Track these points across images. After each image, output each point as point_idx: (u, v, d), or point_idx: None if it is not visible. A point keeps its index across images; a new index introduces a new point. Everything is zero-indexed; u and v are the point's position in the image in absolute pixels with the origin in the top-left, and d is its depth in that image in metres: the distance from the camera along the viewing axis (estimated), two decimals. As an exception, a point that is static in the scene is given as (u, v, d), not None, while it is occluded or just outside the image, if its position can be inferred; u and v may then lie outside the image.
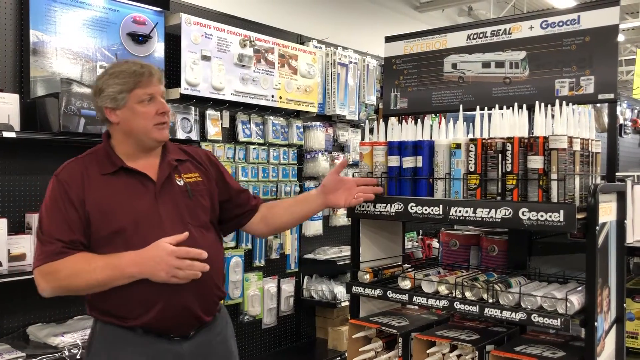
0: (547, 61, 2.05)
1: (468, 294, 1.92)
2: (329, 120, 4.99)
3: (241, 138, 4.21)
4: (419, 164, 2.04)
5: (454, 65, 2.26)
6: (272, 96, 4.28)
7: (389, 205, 2.05)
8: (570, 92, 2.00)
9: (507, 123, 1.90)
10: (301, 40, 4.71)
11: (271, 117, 4.39)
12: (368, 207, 2.11)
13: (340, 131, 5.05)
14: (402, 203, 2.02)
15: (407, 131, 2.14)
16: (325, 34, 4.92)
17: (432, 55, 2.31)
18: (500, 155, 1.85)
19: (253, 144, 4.29)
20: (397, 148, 2.09)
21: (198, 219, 1.92)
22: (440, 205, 1.92)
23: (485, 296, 1.88)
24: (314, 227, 4.78)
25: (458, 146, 1.94)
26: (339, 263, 4.62)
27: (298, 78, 4.50)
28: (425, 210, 1.96)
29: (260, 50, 4.19)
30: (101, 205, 1.80)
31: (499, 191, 1.85)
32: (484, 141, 1.88)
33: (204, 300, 1.88)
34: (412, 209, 1.99)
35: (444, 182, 1.98)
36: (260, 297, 4.37)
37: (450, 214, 1.90)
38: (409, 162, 2.06)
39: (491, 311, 1.83)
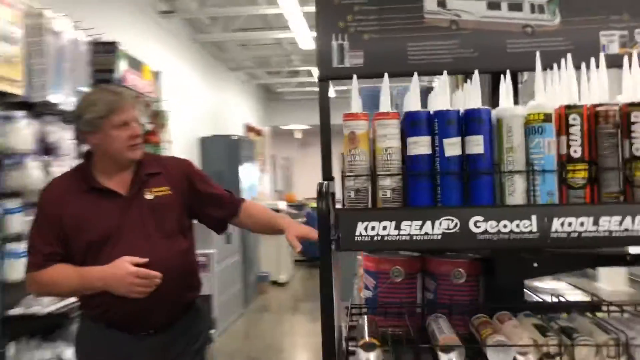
0: (585, 5, 1.47)
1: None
2: (30, 109, 3.45)
3: None
4: (476, 150, 1.20)
5: (442, 4, 1.48)
6: (-39, 64, 2.65)
7: (428, 222, 1.15)
8: (622, 49, 1.45)
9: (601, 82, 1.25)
10: (-6, -14, 3.11)
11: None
12: (384, 229, 1.17)
13: (48, 127, 3.55)
14: (455, 217, 1.15)
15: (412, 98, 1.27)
16: (26, -15, 3.38)
17: (404, -14, 1.49)
18: (620, 131, 1.18)
19: None
20: (426, 123, 1.21)
21: (164, 230, 2.06)
22: (534, 217, 1.14)
23: None
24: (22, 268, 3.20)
25: (547, 118, 1.19)
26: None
27: (-4, 41, 2.93)
28: (505, 227, 1.15)
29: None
30: (75, 220, 2.00)
31: (622, 187, 1.17)
32: (595, 109, 1.18)
33: (162, 305, 2.02)
34: (478, 227, 1.15)
35: (525, 178, 1.19)
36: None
37: (553, 230, 1.14)
38: (453, 148, 1.21)
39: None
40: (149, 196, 2.07)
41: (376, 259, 1.70)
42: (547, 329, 1.27)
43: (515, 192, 1.19)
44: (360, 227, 1.17)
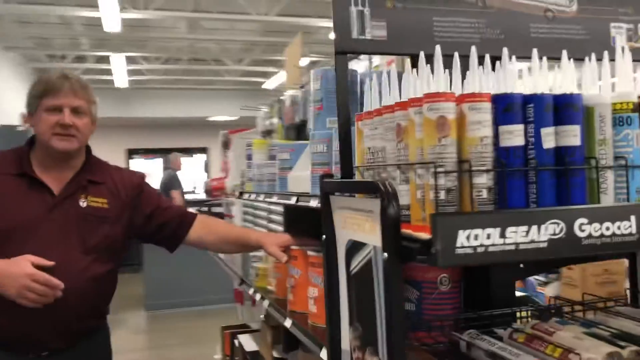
0: (598, -5, 1.41)
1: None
2: None
3: None
4: (573, 141, 1.04)
5: (467, -25, 1.31)
6: None
7: (534, 228, 0.97)
8: (628, 42, 1.43)
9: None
10: None
11: None
12: (488, 238, 0.95)
13: None
14: (561, 220, 0.98)
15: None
16: None
17: (428, -50, 1.27)
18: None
19: None
20: (521, 109, 1.03)
21: (85, 244, 1.84)
22: (634, 217, 1.02)
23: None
24: None
25: (635, 107, 1.08)
26: None
27: None
28: (607, 229, 1.01)
29: None
30: None
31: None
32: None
33: (58, 328, 1.79)
34: (583, 230, 1.00)
35: (613, 174, 1.07)
36: None
37: (653, 231, 1.04)
38: (550, 139, 1.04)
39: None
40: (82, 203, 1.86)
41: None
42: (605, 337, 1.18)
43: (608, 189, 1.06)
44: (462, 237, 0.93)
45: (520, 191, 1.02)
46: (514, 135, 1.02)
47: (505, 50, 1.06)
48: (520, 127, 1.02)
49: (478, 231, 0.94)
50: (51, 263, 1.69)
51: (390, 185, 1.01)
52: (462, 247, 0.94)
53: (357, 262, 1.20)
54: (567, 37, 1.39)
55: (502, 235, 0.95)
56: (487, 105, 1.01)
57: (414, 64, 1.26)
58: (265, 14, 6.82)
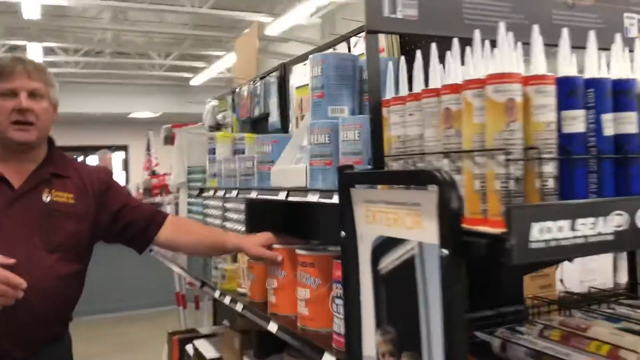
0: (612, -16, 1.39)
1: None
2: None
3: None
4: (629, 129, 1.00)
5: (494, -45, 1.24)
6: None
7: (601, 219, 0.91)
8: (639, 33, 1.42)
9: None
10: None
11: None
12: (559, 231, 0.88)
13: None
14: (625, 212, 0.93)
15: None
16: None
17: None
18: None
19: None
20: (583, 92, 0.97)
21: (51, 243, 1.70)
22: (693, 208, 0.99)
23: None
24: None
25: (678, 96, 1.05)
26: None
27: None
28: (667, 220, 0.98)
29: None
30: None
31: None
32: None
33: (17, 334, 1.63)
34: (645, 222, 0.96)
35: (667, 163, 1.04)
36: None
37: None
38: (609, 125, 0.98)
39: None
40: (46, 198, 1.72)
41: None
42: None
43: (662, 179, 1.03)
44: (535, 230, 0.86)
45: (583, 181, 0.97)
46: (577, 122, 0.95)
47: (564, 32, 0.99)
48: (583, 112, 0.97)
49: (550, 224, 0.87)
50: (12, 261, 1.54)
51: (449, 175, 0.92)
52: (536, 241, 0.87)
53: (391, 259, 1.11)
54: (585, 25, 1.36)
55: (573, 228, 0.89)
56: (553, 89, 0.94)
57: (411, 58, 1.19)
58: (200, 6, 6.57)
